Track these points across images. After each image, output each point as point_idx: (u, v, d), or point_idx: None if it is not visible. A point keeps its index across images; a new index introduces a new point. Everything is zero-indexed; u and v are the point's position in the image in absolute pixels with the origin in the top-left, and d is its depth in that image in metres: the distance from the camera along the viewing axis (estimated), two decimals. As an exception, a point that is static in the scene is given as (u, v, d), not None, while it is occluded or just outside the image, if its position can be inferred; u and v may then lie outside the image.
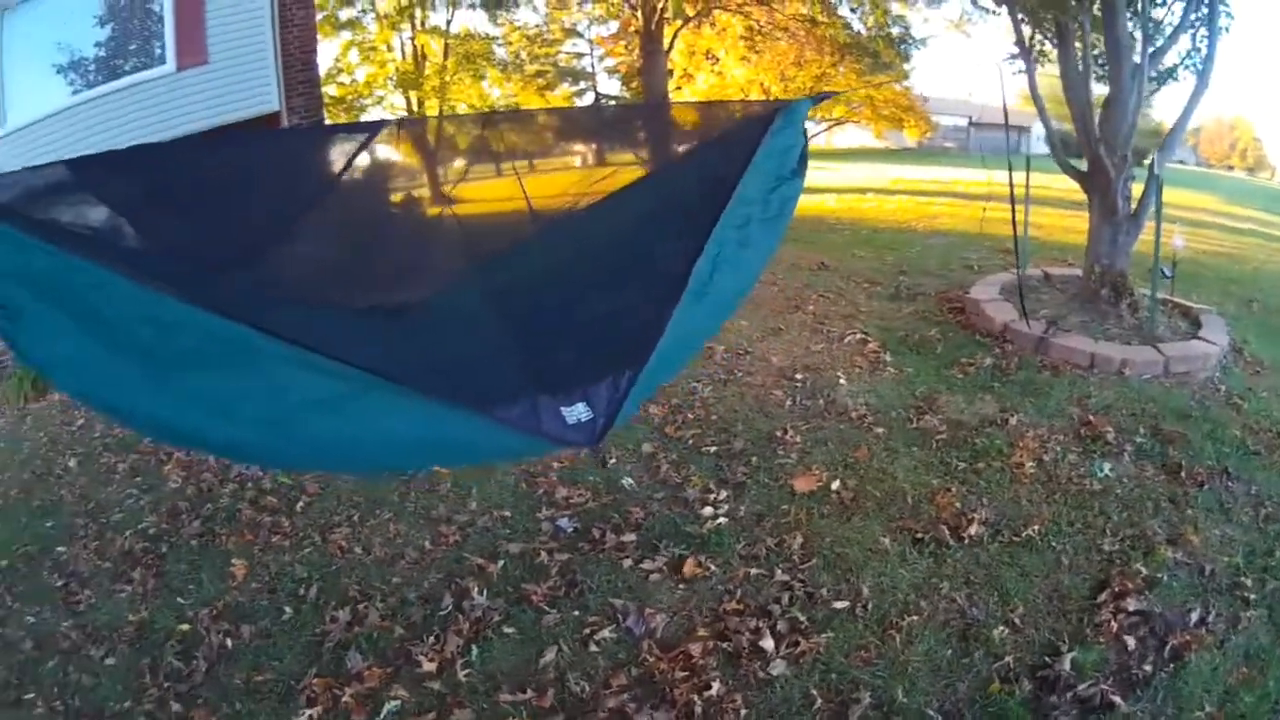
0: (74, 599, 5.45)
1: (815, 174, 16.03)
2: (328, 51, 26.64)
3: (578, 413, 2.57)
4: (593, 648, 4.03)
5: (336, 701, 4.02)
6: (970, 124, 36.93)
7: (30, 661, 4.96)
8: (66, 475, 7.12)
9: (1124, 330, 7.21)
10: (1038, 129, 15.56)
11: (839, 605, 4.09)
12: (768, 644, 3.87)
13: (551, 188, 3.07)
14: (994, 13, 10.44)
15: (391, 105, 28.10)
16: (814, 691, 3.63)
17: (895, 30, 22.14)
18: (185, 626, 4.87)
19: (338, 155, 2.54)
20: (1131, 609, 3.99)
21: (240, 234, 2.36)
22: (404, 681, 4.05)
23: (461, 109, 29.91)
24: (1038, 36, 8.46)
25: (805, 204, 17.01)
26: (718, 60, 27.19)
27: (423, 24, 26.36)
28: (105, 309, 1.92)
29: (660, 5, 21.80)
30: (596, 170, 3.11)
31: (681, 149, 3.39)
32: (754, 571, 4.40)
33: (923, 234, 12.73)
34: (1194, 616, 3.95)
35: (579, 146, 3.64)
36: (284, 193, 2.50)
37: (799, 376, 6.80)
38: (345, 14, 25.67)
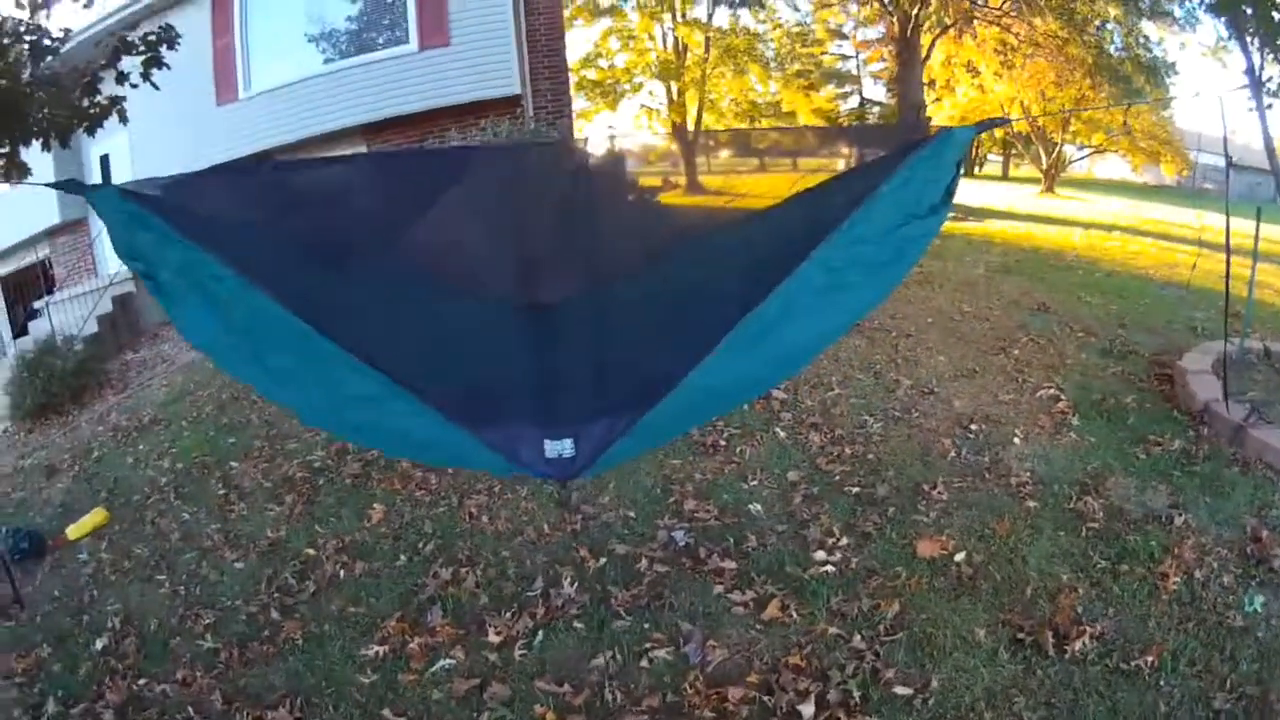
0: (229, 508, 6.23)
1: (1068, 205, 17.24)
2: (586, 36, 27.36)
3: (560, 448, 2.62)
4: (643, 663, 4.13)
5: (403, 646, 4.41)
6: (1229, 165, 33.26)
7: (173, 550, 5.76)
8: (259, 402, 8.05)
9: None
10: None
11: (900, 691, 3.85)
12: (807, 710, 3.73)
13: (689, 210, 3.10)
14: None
15: (651, 93, 28.54)
16: None
17: (1144, 53, 20.34)
18: (311, 551, 5.48)
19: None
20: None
21: (362, 232, 2.75)
22: (467, 645, 4.37)
23: (725, 104, 30.19)
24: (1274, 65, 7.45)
25: (1050, 237, 16.54)
26: (978, 73, 26.24)
27: (683, 16, 26.69)
28: (219, 293, 2.40)
29: (915, 11, 20.96)
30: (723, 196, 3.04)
31: (820, 175, 2.88)
32: (833, 630, 4.25)
33: (1157, 283, 11.62)
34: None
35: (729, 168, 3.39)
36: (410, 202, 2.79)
37: (974, 427, 6.39)
38: (606, 1, 26.54)
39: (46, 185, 2.48)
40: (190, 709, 4.20)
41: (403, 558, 5.31)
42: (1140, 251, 14.85)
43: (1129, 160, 29.15)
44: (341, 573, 5.23)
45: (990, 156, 44.20)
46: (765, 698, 3.85)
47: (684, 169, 3.19)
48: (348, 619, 4.77)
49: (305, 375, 2.55)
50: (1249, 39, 7.17)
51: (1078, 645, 4.03)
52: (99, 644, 4.89)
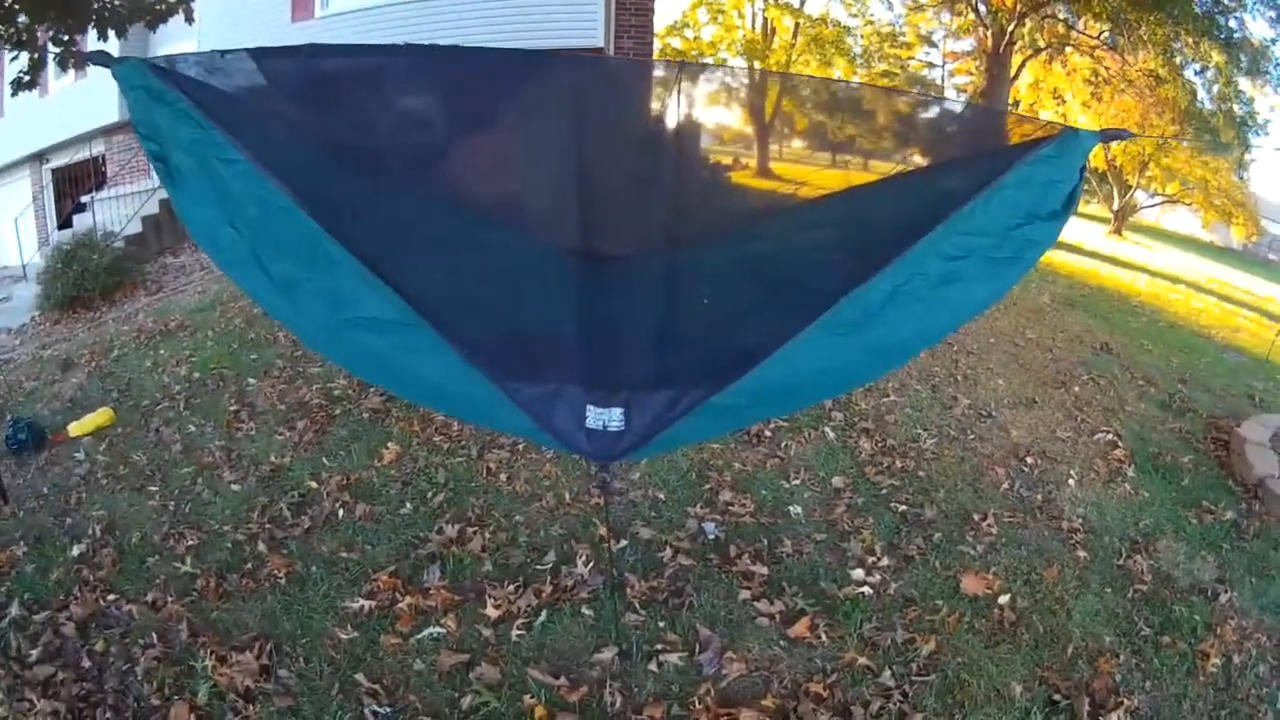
0: (237, 426, 5.99)
1: (1135, 250, 16.64)
2: (677, 5, 27.26)
3: (606, 418, 2.25)
4: (652, 666, 3.76)
5: (392, 604, 4.10)
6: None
7: (171, 461, 5.53)
8: None
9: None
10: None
11: (923, 743, 3.45)
12: (823, 750, 3.33)
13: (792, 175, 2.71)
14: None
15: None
16: None
17: (1237, 108, 19.70)
18: (313, 484, 5.19)
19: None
20: None
21: (404, 133, 2.49)
22: (461, 615, 4.04)
23: (805, 92, 29.92)
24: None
25: (1116, 279, 16.34)
26: (1063, 101, 25.75)
27: None
28: (226, 179, 2.14)
29: (1011, 28, 20.51)
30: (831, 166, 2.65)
31: (932, 154, 2.70)
32: (862, 661, 3.86)
33: (1218, 344, 11.28)
34: None
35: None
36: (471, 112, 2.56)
37: (1029, 461, 6.05)
38: None
39: (79, 58, 2.22)
40: (154, 634, 3.93)
41: (408, 505, 4.98)
42: (1204, 310, 14.68)
43: (1200, 215, 28.50)
44: (340, 512, 4.91)
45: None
46: (780, 726, 3.45)
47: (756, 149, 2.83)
48: (338, 564, 4.45)
49: (310, 285, 2.22)
50: None
51: (1113, 717, 3.72)
52: (75, 550, 4.67)
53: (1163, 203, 33.11)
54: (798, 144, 3.02)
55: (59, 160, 16.85)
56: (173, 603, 4.15)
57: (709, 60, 28.03)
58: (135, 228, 12.69)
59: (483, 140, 2.56)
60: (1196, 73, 20.00)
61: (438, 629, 3.93)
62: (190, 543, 4.66)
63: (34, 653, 3.88)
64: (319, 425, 5.96)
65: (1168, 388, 8.24)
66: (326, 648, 3.83)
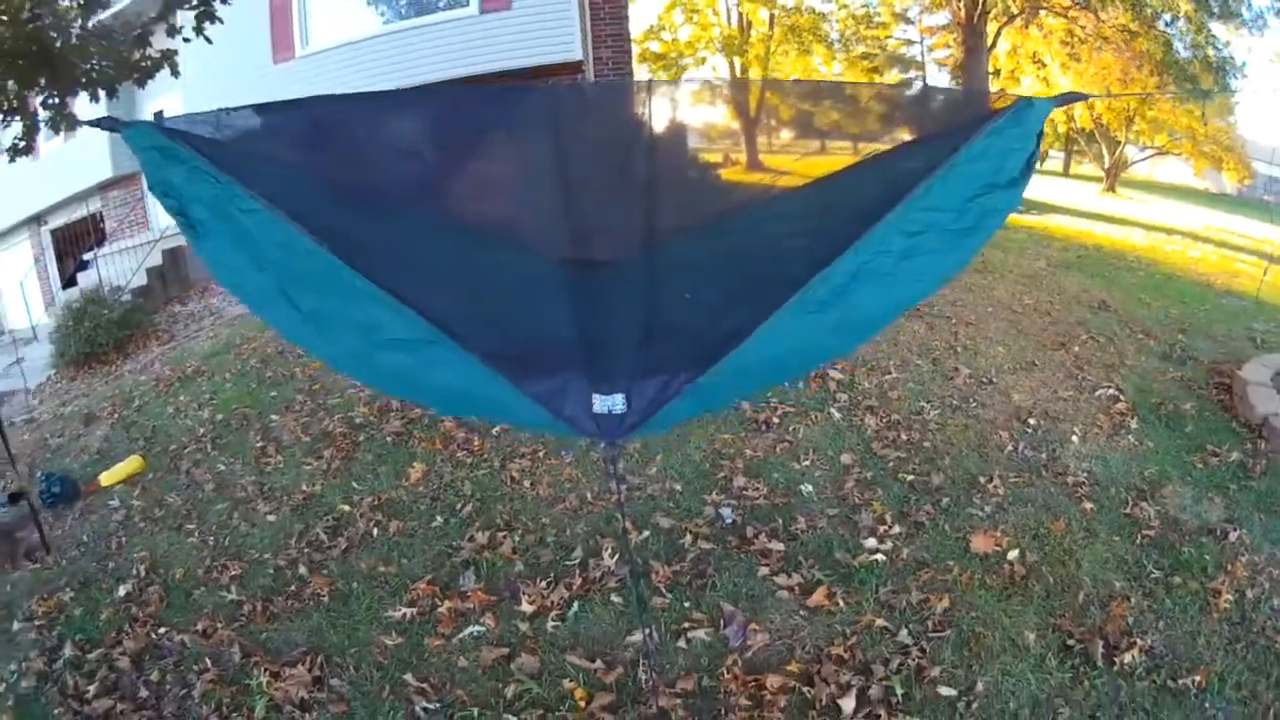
0: (266, 460, 6.21)
1: (1129, 205, 16.87)
2: (652, 8, 27.38)
3: (610, 403, 2.45)
4: (680, 643, 3.97)
5: (432, 609, 4.32)
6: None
7: (205, 500, 5.75)
8: (304, 358, 8.06)
9: None
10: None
11: (944, 692, 3.65)
12: (848, 705, 3.55)
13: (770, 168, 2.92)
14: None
15: (714, 68, 28.69)
16: None
17: (1212, 53, 19.80)
18: (345, 507, 5.40)
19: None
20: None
21: (407, 170, 2.75)
22: (498, 613, 4.26)
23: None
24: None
25: (1110, 236, 16.41)
26: (1044, 65, 25.92)
27: None
28: (248, 227, 2.32)
29: None
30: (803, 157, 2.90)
31: (889, 139, 2.80)
32: (880, 622, 4.06)
33: (1217, 291, 11.35)
34: None
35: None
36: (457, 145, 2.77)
37: (1032, 422, 6.19)
38: None
39: (83, 124, 2.54)
40: (208, 660, 4.14)
41: (439, 519, 5.20)
42: (1201, 258, 14.72)
43: (1191, 164, 28.63)
44: (375, 531, 5.13)
45: (1052, 153, 43.81)
46: (805, 689, 3.67)
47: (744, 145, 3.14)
48: (377, 578, 4.67)
49: (338, 316, 2.42)
50: None
51: (1127, 658, 3.86)
52: (122, 590, 4.86)
53: (1153, 155, 33.29)
54: (767, 139, 3.22)
55: (57, 221, 17.12)
56: (222, 629, 4.36)
57: (688, 61, 28.25)
58: (141, 280, 12.88)
59: (474, 169, 2.77)
60: (1168, 23, 20.07)
61: (477, 628, 4.15)
62: (233, 573, 4.86)
63: (91, 688, 4.07)
64: (344, 452, 6.17)
65: (1168, 339, 8.33)
66: (374, 655, 4.04)
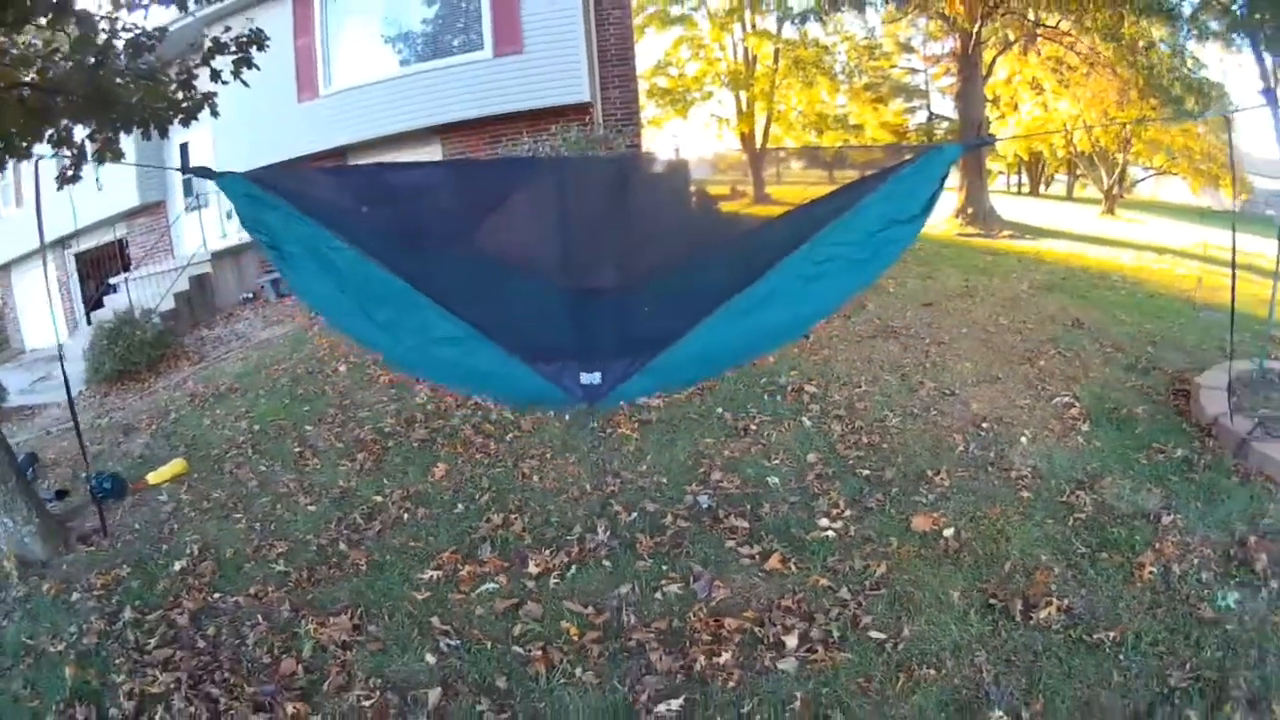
0: (304, 463, 6.99)
1: (1126, 227, 18.07)
2: (658, 44, 27.75)
3: (592, 378, 3.30)
4: (658, 595, 4.77)
5: (455, 572, 5.13)
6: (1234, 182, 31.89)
7: (249, 495, 6.52)
8: (334, 376, 8.93)
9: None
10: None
11: (875, 635, 4.34)
12: (792, 642, 4.28)
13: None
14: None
15: (720, 102, 29.00)
16: (798, 694, 3.97)
17: (1190, 74, 20.32)
18: (378, 498, 6.19)
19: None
20: (1156, 752, 3.50)
21: (449, 222, 3.61)
22: (510, 574, 5.08)
23: (794, 115, 30.65)
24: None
25: (1100, 258, 16.66)
26: (1041, 90, 26.37)
27: (753, 26, 27.10)
28: (336, 262, 3.11)
29: (976, 29, 21.09)
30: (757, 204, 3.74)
31: (831, 183, 3.54)
32: (824, 583, 4.79)
33: (1198, 306, 11.58)
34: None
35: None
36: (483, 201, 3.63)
37: (985, 426, 6.75)
38: (676, 10, 27.11)
39: (179, 170, 3.31)
40: (259, 616, 4.85)
41: (460, 506, 6.00)
42: (1187, 275, 14.76)
43: (1189, 183, 28.96)
44: (404, 516, 5.92)
45: (1057, 177, 44.25)
46: (757, 629, 4.43)
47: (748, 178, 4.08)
48: (407, 551, 5.45)
49: (404, 323, 3.23)
50: (1263, 52, 7.45)
51: (1044, 614, 4.41)
52: (177, 565, 5.53)
53: (1155, 175, 33.67)
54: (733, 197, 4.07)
55: (82, 245, 17.66)
56: (273, 592, 5.10)
57: (695, 95, 28.63)
58: (169, 304, 13.30)
59: (499, 221, 3.63)
60: (1145, 48, 20.55)
61: (492, 585, 4.97)
62: (280, 550, 5.60)
63: (151, 642, 4.71)
64: (375, 456, 6.94)
65: (1136, 351, 8.74)
66: (405, 607, 4.82)
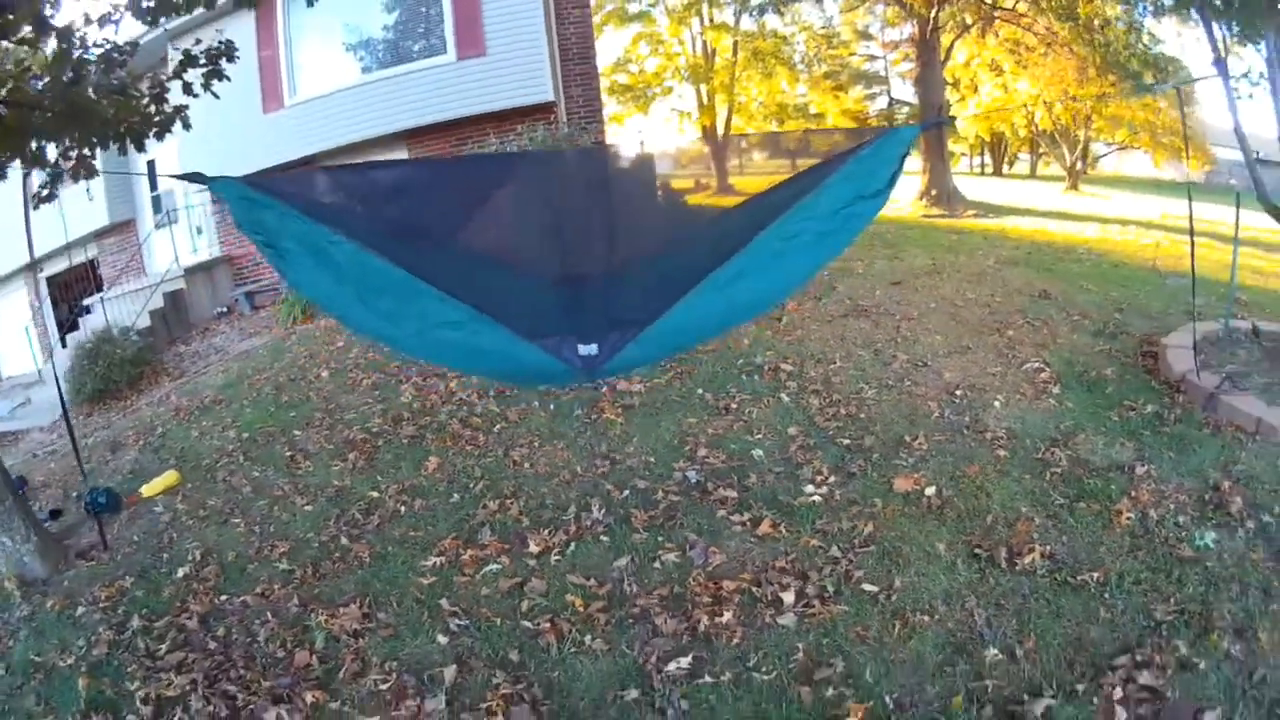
0: (296, 466, 7.08)
1: (1090, 202, 18.54)
2: (617, 41, 27.85)
3: (589, 350, 3.50)
4: (656, 564, 4.94)
5: (457, 557, 5.26)
6: (1256, 159, 32.36)
7: (245, 500, 6.60)
8: (317, 382, 9.05)
9: (1315, 400, 6.35)
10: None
11: (868, 588, 4.53)
12: (788, 598, 4.48)
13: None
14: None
15: (681, 96, 29.36)
16: (800, 645, 4.16)
17: (1146, 49, 20.67)
18: (374, 494, 6.30)
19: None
20: (1143, 683, 3.70)
21: (438, 218, 3.75)
22: (511, 555, 5.22)
23: (755, 106, 30.86)
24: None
25: (1065, 233, 16.83)
26: (1001, 72, 26.47)
27: (711, 20, 27.35)
28: (334, 255, 3.19)
29: (933, 14, 21.39)
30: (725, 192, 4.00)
31: (794, 170, 3.78)
32: (815, 543, 4.99)
33: (1163, 273, 11.75)
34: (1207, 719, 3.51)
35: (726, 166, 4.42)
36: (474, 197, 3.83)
37: (959, 393, 6.94)
38: (634, 7, 27.39)
39: (175, 176, 3.25)
40: (269, 613, 4.95)
41: (456, 496, 6.13)
42: (1152, 245, 15.05)
43: (1152, 156, 29.21)
44: (402, 509, 6.04)
45: (1020, 156, 44.65)
46: (755, 589, 4.61)
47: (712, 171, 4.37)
48: (409, 541, 5.57)
49: (405, 310, 3.34)
50: (1213, 24, 7.62)
51: (1028, 560, 4.62)
52: (180, 572, 5.60)
53: (1118, 150, 34.02)
54: (705, 179, 4.38)
55: (53, 268, 17.58)
56: (280, 589, 5.20)
57: (655, 91, 28.88)
58: (145, 322, 13.31)
59: (488, 215, 3.83)
60: (1101, 26, 20.77)
61: (495, 566, 5.12)
62: (282, 550, 5.69)
63: (162, 647, 4.76)
64: (367, 454, 7.05)
65: (1103, 318, 8.90)
66: (413, 593, 4.94)
